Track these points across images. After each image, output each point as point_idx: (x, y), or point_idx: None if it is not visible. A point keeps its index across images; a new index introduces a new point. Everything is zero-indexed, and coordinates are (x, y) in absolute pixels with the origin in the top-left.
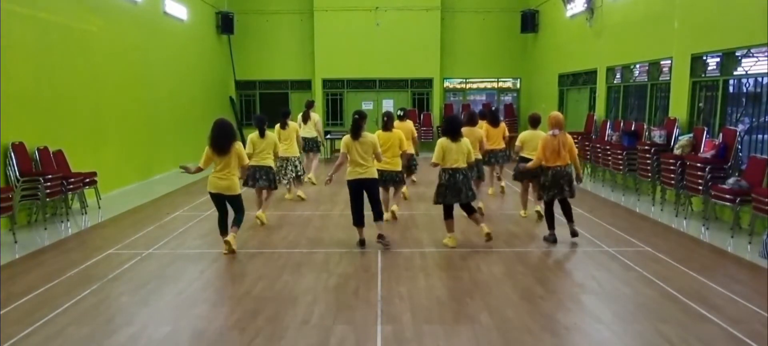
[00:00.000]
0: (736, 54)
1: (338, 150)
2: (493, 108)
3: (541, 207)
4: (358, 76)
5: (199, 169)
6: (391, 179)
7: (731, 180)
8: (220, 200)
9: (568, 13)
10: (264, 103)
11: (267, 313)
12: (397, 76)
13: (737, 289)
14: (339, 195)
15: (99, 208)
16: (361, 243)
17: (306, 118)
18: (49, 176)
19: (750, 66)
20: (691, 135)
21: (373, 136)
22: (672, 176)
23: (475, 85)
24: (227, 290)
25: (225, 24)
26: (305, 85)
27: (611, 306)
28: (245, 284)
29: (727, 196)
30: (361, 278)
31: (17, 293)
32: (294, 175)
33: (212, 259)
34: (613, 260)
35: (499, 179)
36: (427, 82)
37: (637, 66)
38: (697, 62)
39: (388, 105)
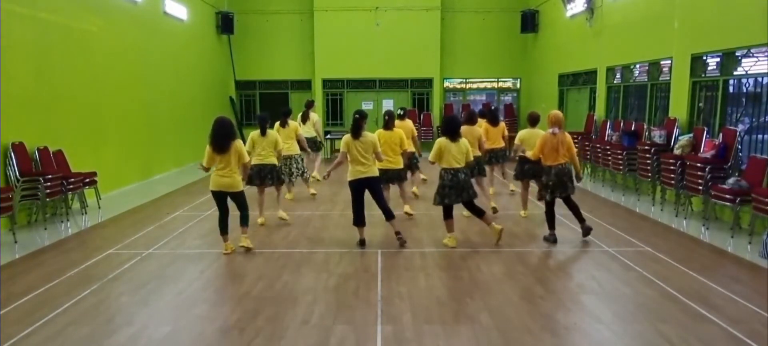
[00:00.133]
0: (736, 54)
1: (338, 150)
2: (493, 107)
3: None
4: (358, 76)
5: (207, 169)
6: (393, 178)
7: (731, 180)
8: (222, 198)
9: (568, 13)
10: (264, 103)
11: (267, 313)
12: (397, 76)
13: (737, 289)
14: (339, 195)
15: (99, 208)
16: (361, 243)
17: (305, 119)
18: (49, 176)
19: (750, 66)
20: (691, 135)
21: (373, 135)
22: (672, 175)
23: (475, 85)
24: (227, 290)
25: (225, 24)
26: (305, 85)
27: (611, 306)
28: (245, 284)
29: (727, 196)
30: (361, 278)
31: (17, 293)
32: (299, 173)
33: (212, 259)
34: (613, 260)
35: (503, 175)
36: (427, 82)
37: (637, 66)
38: (697, 62)
39: (388, 105)
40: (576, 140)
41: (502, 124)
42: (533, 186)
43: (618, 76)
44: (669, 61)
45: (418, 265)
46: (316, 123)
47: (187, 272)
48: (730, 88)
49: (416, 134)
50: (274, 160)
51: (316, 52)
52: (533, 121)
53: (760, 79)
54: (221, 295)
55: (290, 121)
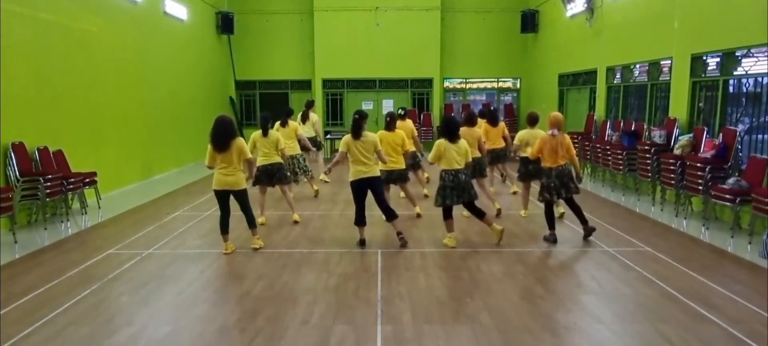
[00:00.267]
0: (736, 54)
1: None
2: (492, 108)
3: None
4: (358, 76)
5: (210, 167)
6: (396, 178)
7: (731, 180)
8: (225, 197)
9: (568, 13)
10: (264, 103)
11: (267, 313)
12: (397, 76)
13: (737, 289)
14: (339, 195)
15: (99, 208)
16: (362, 243)
17: (305, 119)
18: (49, 176)
19: (750, 66)
20: (691, 135)
21: (374, 135)
22: (672, 175)
23: (475, 85)
24: (227, 290)
25: (225, 24)
26: (305, 85)
27: (611, 306)
28: (245, 284)
29: (727, 196)
30: (361, 278)
31: (17, 293)
32: (303, 172)
33: (212, 259)
34: (613, 260)
35: (503, 177)
36: (427, 82)
37: (637, 66)
38: (697, 62)
39: (388, 105)
40: (576, 140)
41: (502, 124)
42: (534, 186)
43: (618, 76)
44: (669, 61)
45: (418, 265)
46: (315, 123)
47: (187, 272)
48: (730, 88)
49: (416, 134)
50: (278, 159)
51: (316, 52)
52: (532, 121)
53: (760, 79)
54: (221, 295)
55: (290, 122)
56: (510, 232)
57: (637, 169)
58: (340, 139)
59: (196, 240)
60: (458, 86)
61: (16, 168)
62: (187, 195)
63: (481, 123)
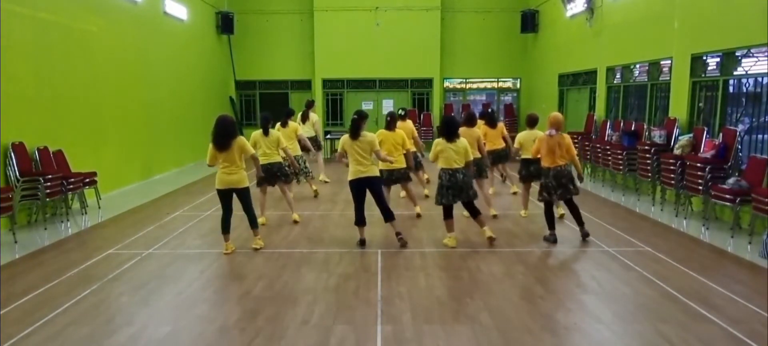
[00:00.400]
0: (736, 54)
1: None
2: (491, 110)
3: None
4: (358, 76)
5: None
6: (397, 178)
7: (731, 180)
8: (227, 196)
9: (568, 13)
10: (264, 103)
11: (267, 313)
12: (397, 76)
13: (737, 289)
14: (339, 195)
15: (99, 208)
16: (362, 243)
17: (305, 119)
18: (49, 176)
19: (750, 66)
20: (691, 135)
21: (372, 135)
22: (672, 175)
23: (475, 85)
24: (227, 290)
25: (225, 24)
26: (305, 85)
27: (611, 306)
28: (245, 284)
29: (727, 196)
30: (361, 278)
31: (17, 293)
32: (303, 173)
33: (212, 259)
34: (613, 260)
35: (503, 177)
36: (427, 82)
37: (637, 66)
38: (697, 62)
39: (388, 105)
40: (576, 140)
41: (501, 125)
42: (534, 187)
43: (618, 76)
44: (669, 61)
45: (418, 265)
46: (315, 123)
47: (187, 272)
48: (730, 88)
49: (417, 134)
50: (278, 159)
51: (316, 52)
52: (531, 122)
53: (760, 79)
54: (221, 295)
55: (290, 122)
56: (510, 232)
57: (637, 169)
58: (338, 138)
59: (196, 240)
60: (458, 86)
61: (16, 168)
62: (187, 195)
63: (480, 124)
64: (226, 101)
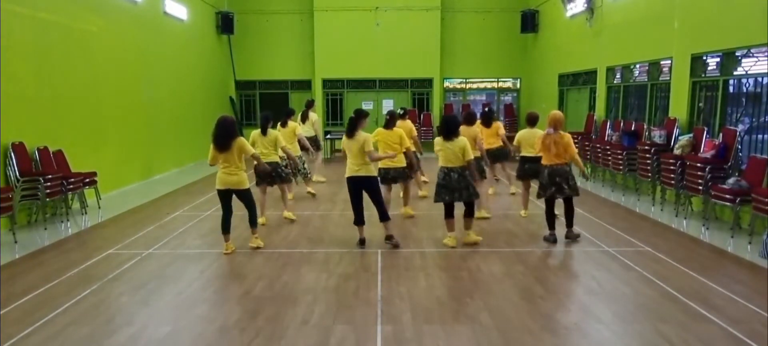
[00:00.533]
0: (736, 54)
1: (338, 150)
2: (487, 109)
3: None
4: (358, 76)
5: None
6: (392, 177)
7: (731, 180)
8: (227, 196)
9: (568, 13)
10: (264, 103)
11: (267, 313)
12: (397, 76)
13: (737, 289)
14: (339, 195)
15: (99, 208)
16: (361, 242)
17: (304, 118)
18: (49, 176)
19: (750, 66)
20: (691, 135)
21: (365, 135)
22: (672, 176)
23: (475, 85)
24: (227, 290)
25: (225, 24)
26: (305, 85)
27: (611, 306)
28: (245, 284)
29: (727, 196)
30: (361, 278)
31: (17, 293)
32: (301, 173)
33: (212, 259)
34: (613, 260)
35: (497, 179)
36: (427, 82)
37: (637, 66)
38: (697, 62)
39: (388, 105)
40: (576, 140)
41: (497, 124)
42: (534, 186)
43: (618, 76)
44: (669, 61)
45: (418, 265)
46: (315, 123)
47: (187, 272)
48: (730, 88)
49: (416, 134)
50: (275, 158)
51: (316, 52)
52: (531, 121)
53: (760, 79)
54: (221, 295)
55: (290, 122)
56: (510, 232)
57: (637, 169)
58: (340, 139)
59: (196, 240)
60: (458, 86)
61: (16, 168)
62: (187, 195)
63: (477, 123)
64: (226, 101)
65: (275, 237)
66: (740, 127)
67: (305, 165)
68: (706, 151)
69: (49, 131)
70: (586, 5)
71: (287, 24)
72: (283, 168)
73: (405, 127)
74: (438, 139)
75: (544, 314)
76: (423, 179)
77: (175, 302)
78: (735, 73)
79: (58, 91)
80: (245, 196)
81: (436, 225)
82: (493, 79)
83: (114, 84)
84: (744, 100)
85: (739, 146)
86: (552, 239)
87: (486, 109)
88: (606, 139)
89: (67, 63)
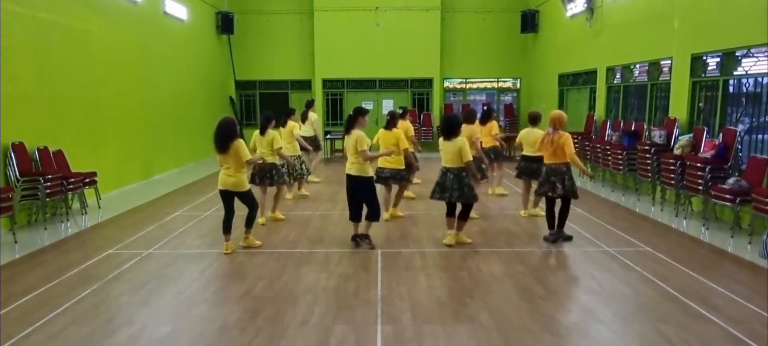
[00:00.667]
0: (736, 54)
1: (338, 150)
2: (486, 108)
3: (541, 207)
4: (358, 76)
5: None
6: (388, 177)
7: (731, 180)
8: (227, 197)
9: (568, 13)
10: (264, 103)
11: (267, 313)
12: (397, 76)
13: (737, 289)
14: (339, 195)
15: (99, 208)
16: (354, 239)
17: (304, 118)
18: (49, 176)
19: (750, 66)
20: (691, 135)
21: (360, 133)
22: (672, 176)
23: (475, 85)
24: (227, 290)
25: (225, 24)
26: (305, 85)
27: (611, 306)
28: (245, 284)
29: (727, 196)
30: (361, 278)
31: (17, 293)
32: (298, 174)
33: (212, 259)
34: (613, 260)
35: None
36: (427, 82)
37: (637, 66)
38: (697, 62)
39: (388, 105)
40: (576, 140)
41: (491, 123)
42: (535, 186)
43: (618, 76)
44: (669, 61)
45: (418, 265)
46: (314, 122)
47: (187, 272)
48: (730, 88)
49: (412, 133)
50: (272, 160)
51: (316, 52)
52: (532, 120)
53: (760, 79)
54: (221, 295)
55: (289, 121)
56: (510, 232)
57: (637, 169)
58: (340, 138)
59: (196, 240)
60: (458, 86)
61: (16, 168)
62: (187, 195)
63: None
64: (226, 101)
65: (275, 237)
66: (740, 127)
67: (303, 166)
68: (706, 151)
69: (49, 131)
70: (586, 5)
71: (287, 24)
72: (279, 169)
73: (403, 126)
74: (440, 139)
75: (544, 314)
76: (415, 180)
77: (175, 302)
78: (735, 73)
79: (58, 91)
80: (244, 197)
81: (436, 225)
82: (493, 79)
83: (114, 84)
84: (744, 100)
85: (739, 146)
86: (551, 239)
87: (485, 107)
88: (606, 139)
89: (67, 63)
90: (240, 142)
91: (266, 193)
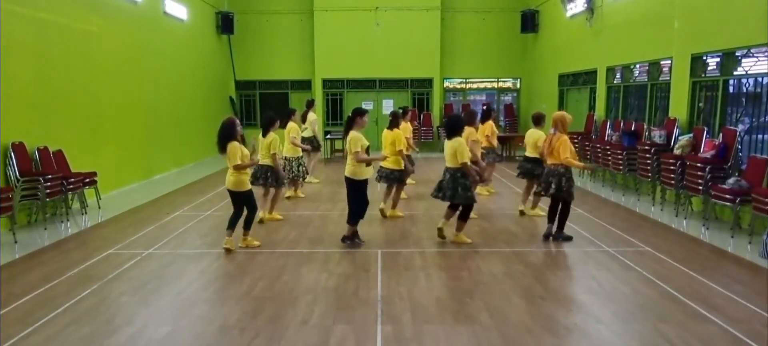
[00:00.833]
0: (736, 54)
1: (338, 150)
2: (485, 108)
3: (541, 208)
4: (358, 76)
5: None
6: (383, 175)
7: (731, 180)
8: (231, 196)
9: (568, 13)
10: (264, 104)
11: (267, 313)
12: (397, 76)
13: (737, 289)
14: (339, 194)
15: (99, 208)
16: (344, 240)
17: (305, 118)
18: (49, 176)
19: (750, 66)
20: (691, 135)
21: (353, 134)
22: (672, 176)
23: (475, 85)
24: (227, 290)
25: (225, 24)
26: (305, 85)
27: (611, 306)
28: (245, 284)
29: (727, 196)
30: (361, 278)
31: (17, 293)
32: (294, 175)
33: (212, 259)
34: (613, 260)
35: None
36: (427, 82)
37: (637, 66)
38: (697, 62)
39: (388, 105)
40: (576, 140)
41: (487, 123)
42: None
43: (618, 76)
44: (669, 61)
45: (418, 265)
46: (313, 122)
47: (187, 272)
48: (730, 88)
49: (410, 133)
50: (268, 162)
51: (316, 52)
52: (535, 121)
53: (760, 79)
54: (221, 295)
55: (290, 122)
56: (510, 232)
57: (637, 169)
58: (340, 139)
59: (196, 240)
60: (458, 86)
61: (16, 168)
62: (187, 195)
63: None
64: (226, 101)
65: (275, 237)
66: (740, 127)
67: (299, 167)
68: (706, 151)
69: (49, 131)
70: (586, 5)
71: (287, 24)
72: (272, 171)
73: (401, 127)
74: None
75: (544, 314)
76: (410, 182)
77: (175, 302)
78: (735, 73)
79: (58, 91)
80: (243, 198)
81: (436, 225)
82: (493, 79)
83: (114, 84)
84: (744, 100)
85: (739, 146)
86: (548, 234)
87: (484, 107)
88: (606, 139)
89: (67, 63)
90: (232, 145)
91: (268, 193)
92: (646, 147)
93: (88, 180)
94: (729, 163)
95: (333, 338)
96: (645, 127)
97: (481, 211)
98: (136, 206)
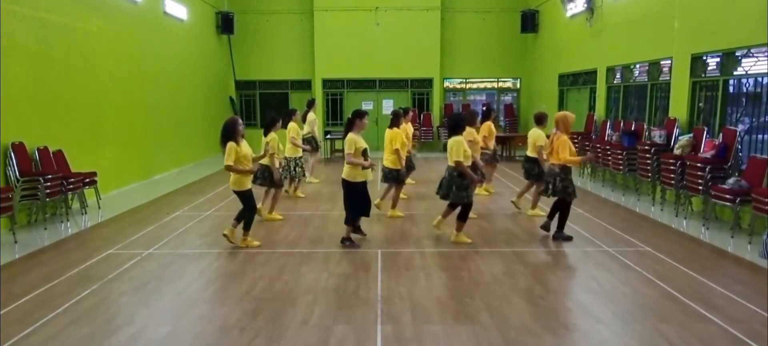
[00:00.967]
0: (736, 54)
1: (338, 150)
2: (484, 108)
3: (541, 208)
4: (358, 76)
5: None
6: (387, 176)
7: (731, 180)
8: (237, 194)
9: (568, 13)
10: (264, 104)
11: (267, 313)
12: (397, 76)
13: (737, 289)
14: (339, 194)
15: (99, 208)
16: (343, 242)
17: (305, 118)
18: (49, 176)
19: (750, 66)
20: (691, 135)
21: (350, 136)
22: (672, 176)
23: (475, 85)
24: (227, 290)
25: (225, 24)
26: (305, 85)
27: (611, 306)
28: (245, 284)
29: (727, 196)
30: (361, 278)
31: (17, 293)
32: (292, 175)
33: (212, 259)
34: (613, 260)
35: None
36: (427, 82)
37: (637, 66)
38: (697, 62)
39: (388, 105)
40: (576, 140)
41: (485, 124)
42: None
43: (618, 76)
44: (669, 61)
45: (418, 265)
46: (312, 122)
47: (187, 272)
48: (730, 88)
49: (409, 132)
50: (265, 162)
51: (316, 52)
52: (537, 120)
53: (760, 79)
54: (221, 295)
55: (290, 122)
56: (510, 232)
57: (637, 169)
58: (340, 139)
59: (196, 240)
60: (458, 86)
61: (16, 168)
62: (187, 195)
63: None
64: (226, 101)
65: (275, 237)
66: (740, 127)
67: (297, 168)
68: (706, 151)
69: (49, 131)
70: (586, 5)
71: (287, 24)
72: (270, 171)
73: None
74: None
75: (544, 314)
76: (409, 181)
77: (175, 302)
78: (735, 73)
79: (58, 91)
80: (241, 197)
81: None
82: (493, 79)
83: (114, 84)
84: (744, 100)
85: (739, 146)
86: (547, 229)
87: (484, 108)
88: (606, 139)
89: (67, 63)
90: (229, 146)
91: (268, 193)
92: (646, 147)
93: (88, 180)
94: (729, 164)
95: (333, 338)
96: (645, 127)
97: (481, 211)
98: (136, 206)
